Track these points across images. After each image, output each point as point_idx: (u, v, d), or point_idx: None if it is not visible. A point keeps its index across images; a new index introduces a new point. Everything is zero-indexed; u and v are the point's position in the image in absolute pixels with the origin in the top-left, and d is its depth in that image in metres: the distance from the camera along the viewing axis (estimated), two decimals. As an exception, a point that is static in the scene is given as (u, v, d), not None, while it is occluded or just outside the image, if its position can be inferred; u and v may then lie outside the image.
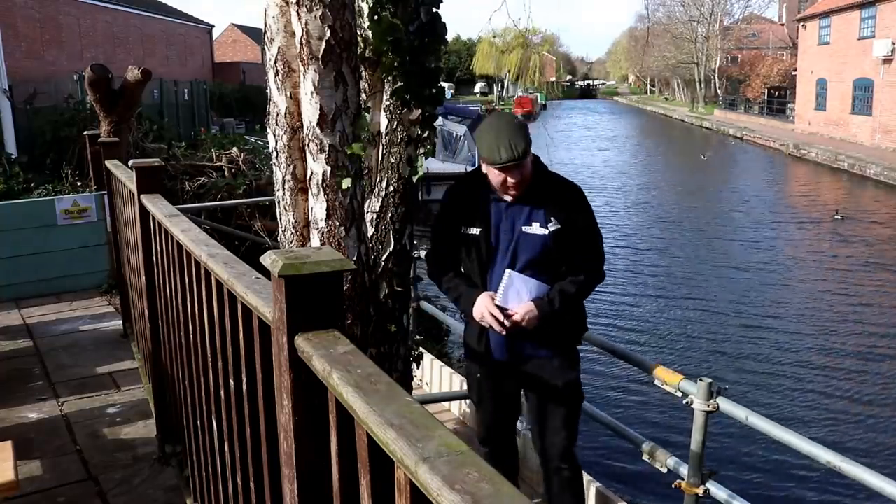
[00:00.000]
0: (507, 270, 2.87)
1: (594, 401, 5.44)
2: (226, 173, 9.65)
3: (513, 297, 2.86)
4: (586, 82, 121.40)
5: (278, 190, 2.77)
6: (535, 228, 2.85)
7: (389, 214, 3.28)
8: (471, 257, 2.97)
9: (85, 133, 7.92)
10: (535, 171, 2.87)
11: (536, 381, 3.03)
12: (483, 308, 2.85)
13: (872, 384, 9.04)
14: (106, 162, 5.51)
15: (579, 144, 39.65)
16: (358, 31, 2.80)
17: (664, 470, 3.20)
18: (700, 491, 2.96)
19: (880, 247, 16.34)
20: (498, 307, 2.83)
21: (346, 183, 2.59)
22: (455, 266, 3.04)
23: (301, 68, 2.52)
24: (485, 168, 2.86)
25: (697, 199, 22.70)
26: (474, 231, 2.92)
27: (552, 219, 2.84)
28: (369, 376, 1.21)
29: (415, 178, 3.25)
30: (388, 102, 3.21)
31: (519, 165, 2.75)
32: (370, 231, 3.19)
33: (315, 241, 2.66)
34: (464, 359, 3.45)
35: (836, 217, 19.04)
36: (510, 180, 2.78)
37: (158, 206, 3.16)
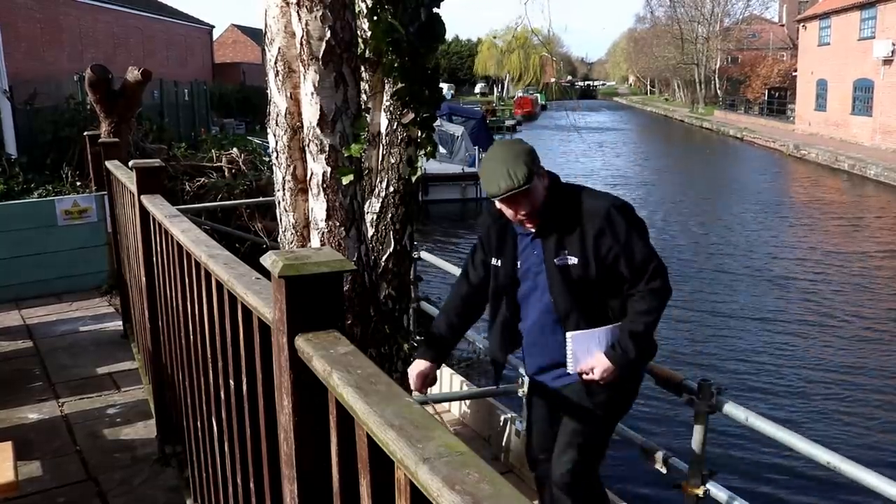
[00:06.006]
0: (568, 336, 2.60)
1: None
2: (226, 174, 9.66)
3: (582, 356, 2.61)
4: (586, 83, 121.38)
5: (278, 190, 2.78)
6: (564, 260, 2.55)
7: (389, 215, 3.28)
8: (502, 297, 2.74)
9: (85, 133, 7.94)
10: (554, 196, 2.58)
11: (557, 396, 2.79)
12: (410, 373, 2.74)
13: (870, 379, 9.04)
14: (106, 162, 5.51)
15: (580, 148, 39.62)
16: (358, 32, 2.80)
17: (664, 470, 3.19)
18: (700, 491, 2.95)
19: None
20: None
21: (347, 179, 2.58)
22: (454, 307, 2.83)
23: (301, 69, 2.53)
24: (497, 203, 2.57)
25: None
26: (496, 263, 2.71)
27: (578, 247, 2.53)
28: (369, 377, 1.21)
29: (413, 179, 3.26)
30: (388, 103, 3.22)
31: (524, 194, 2.47)
32: (370, 231, 3.20)
33: (315, 241, 2.66)
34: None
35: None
36: (520, 212, 2.52)
37: (158, 207, 3.16)
